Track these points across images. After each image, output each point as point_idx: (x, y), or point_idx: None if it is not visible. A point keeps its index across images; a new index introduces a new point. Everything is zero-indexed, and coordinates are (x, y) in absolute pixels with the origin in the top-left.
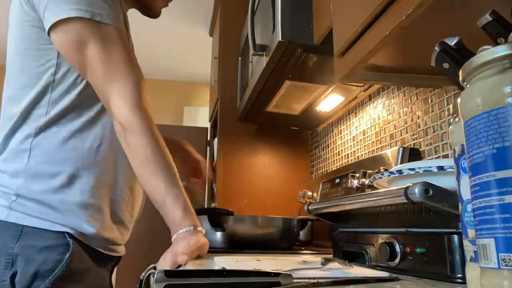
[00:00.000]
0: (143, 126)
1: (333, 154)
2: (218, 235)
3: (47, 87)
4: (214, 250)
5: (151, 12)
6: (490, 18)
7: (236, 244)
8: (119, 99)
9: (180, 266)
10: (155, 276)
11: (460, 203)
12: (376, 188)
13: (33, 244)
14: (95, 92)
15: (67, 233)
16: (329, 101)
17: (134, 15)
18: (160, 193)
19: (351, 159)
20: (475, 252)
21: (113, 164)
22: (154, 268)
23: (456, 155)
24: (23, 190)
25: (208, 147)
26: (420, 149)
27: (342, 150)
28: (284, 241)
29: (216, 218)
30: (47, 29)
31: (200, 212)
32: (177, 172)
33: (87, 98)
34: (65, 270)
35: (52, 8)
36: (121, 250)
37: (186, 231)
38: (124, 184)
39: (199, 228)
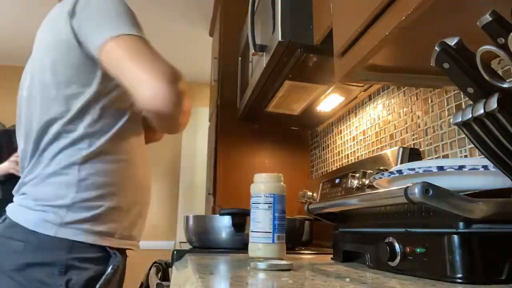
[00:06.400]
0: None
1: (333, 154)
2: (240, 235)
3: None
4: (230, 251)
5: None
6: (490, 18)
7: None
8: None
9: None
10: None
11: None
12: (376, 188)
13: (82, 255)
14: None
15: (108, 247)
16: (329, 101)
17: None
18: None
19: (351, 159)
20: None
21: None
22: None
23: None
24: (68, 218)
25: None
26: (420, 149)
27: (342, 150)
28: (288, 241)
29: (240, 219)
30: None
31: (223, 213)
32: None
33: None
34: (109, 279)
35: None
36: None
37: None
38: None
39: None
